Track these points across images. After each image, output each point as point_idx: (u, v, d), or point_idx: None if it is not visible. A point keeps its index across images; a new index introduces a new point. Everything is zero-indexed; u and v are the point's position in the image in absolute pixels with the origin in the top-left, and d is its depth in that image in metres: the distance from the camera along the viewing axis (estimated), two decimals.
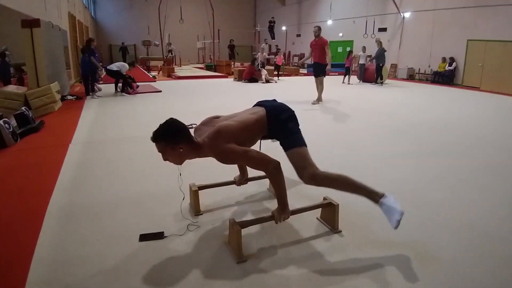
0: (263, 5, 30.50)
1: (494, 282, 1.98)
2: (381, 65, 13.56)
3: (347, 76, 14.24)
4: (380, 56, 13.43)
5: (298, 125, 2.42)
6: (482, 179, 3.63)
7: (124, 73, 9.69)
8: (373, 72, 13.99)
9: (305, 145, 2.32)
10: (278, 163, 2.17)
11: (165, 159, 2.13)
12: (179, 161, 2.16)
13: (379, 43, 13.55)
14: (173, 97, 9.43)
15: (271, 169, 2.14)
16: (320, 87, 8.54)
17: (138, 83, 10.43)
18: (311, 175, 2.22)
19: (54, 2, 10.74)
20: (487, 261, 2.17)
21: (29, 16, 7.62)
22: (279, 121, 2.33)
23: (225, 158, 2.12)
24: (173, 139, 2.04)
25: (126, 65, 9.83)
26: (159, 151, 2.11)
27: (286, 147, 2.30)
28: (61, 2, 11.66)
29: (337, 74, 16.41)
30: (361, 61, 14.61)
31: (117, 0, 26.50)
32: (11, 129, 4.76)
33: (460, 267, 2.10)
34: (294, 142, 2.30)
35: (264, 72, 13.87)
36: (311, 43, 8.44)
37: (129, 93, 9.76)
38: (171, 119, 2.11)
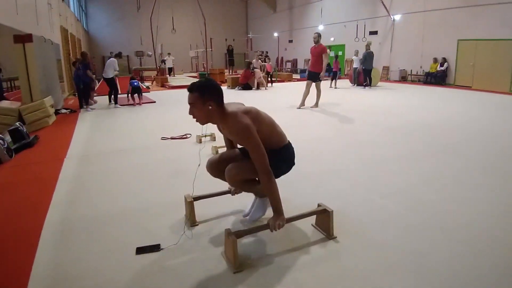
0: (254, 12, 30.69)
1: (490, 282, 2.00)
2: (363, 68, 13.60)
3: (333, 80, 14.32)
4: (365, 59, 13.45)
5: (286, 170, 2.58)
6: (476, 179, 3.67)
7: (116, 80, 9.72)
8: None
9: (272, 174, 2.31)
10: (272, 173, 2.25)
11: (190, 113, 2.24)
12: (203, 119, 2.24)
13: (366, 46, 13.67)
14: (168, 107, 9.45)
15: (269, 176, 2.22)
16: (317, 92, 8.60)
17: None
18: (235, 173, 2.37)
19: (46, 17, 10.77)
20: (483, 261, 2.20)
21: (21, 31, 7.64)
22: (285, 154, 2.53)
23: (240, 134, 2.18)
24: (206, 93, 2.17)
25: (113, 59, 9.67)
26: (189, 102, 2.21)
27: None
28: (53, 16, 11.69)
29: (329, 79, 16.48)
30: (355, 65, 14.71)
31: (109, 11, 26.60)
32: (5, 145, 4.75)
33: (457, 268, 2.13)
34: (273, 162, 2.30)
35: (258, 75, 13.87)
36: (311, 49, 8.48)
37: (133, 104, 9.84)
38: (210, 77, 2.22)
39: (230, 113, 2.23)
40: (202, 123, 2.27)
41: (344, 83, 15.61)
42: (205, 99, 2.17)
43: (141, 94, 10.12)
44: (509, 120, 6.88)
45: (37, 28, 9.14)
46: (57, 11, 12.64)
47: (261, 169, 2.21)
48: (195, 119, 2.28)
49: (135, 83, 9.94)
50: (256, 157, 2.19)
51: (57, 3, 12.71)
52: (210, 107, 2.19)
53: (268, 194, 2.28)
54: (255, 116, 2.28)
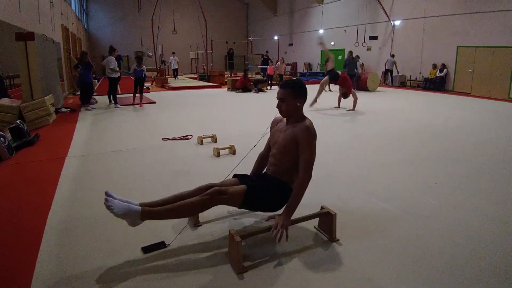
0: (255, 15, 30.78)
1: (489, 284, 2.02)
2: (347, 73, 13.84)
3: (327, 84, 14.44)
4: (344, 65, 13.77)
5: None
6: (475, 183, 3.70)
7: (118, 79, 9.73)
8: (365, 80, 14.16)
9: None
10: None
11: (278, 106, 2.51)
12: (288, 112, 2.50)
13: (349, 53, 14.22)
14: (168, 108, 9.46)
15: (308, 177, 2.39)
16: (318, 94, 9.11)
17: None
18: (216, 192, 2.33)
19: (48, 15, 10.78)
20: (482, 263, 2.22)
21: (23, 29, 7.65)
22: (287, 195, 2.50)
23: (310, 134, 2.39)
24: (299, 92, 2.48)
25: (109, 57, 9.57)
26: (279, 97, 2.49)
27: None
28: (54, 15, 11.70)
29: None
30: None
31: (110, 11, 26.61)
32: (6, 143, 4.75)
33: (456, 271, 2.15)
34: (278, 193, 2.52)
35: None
36: None
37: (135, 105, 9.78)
38: (300, 78, 2.34)
39: (307, 117, 2.53)
40: (285, 116, 2.55)
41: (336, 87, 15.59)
42: (296, 96, 2.46)
43: (142, 93, 10.01)
44: (508, 127, 6.92)
45: (38, 27, 9.15)
46: (58, 10, 12.65)
47: (307, 167, 2.38)
48: (280, 112, 2.54)
49: (140, 73, 9.63)
50: (309, 157, 2.39)
51: (59, 2, 12.72)
52: (298, 104, 2.47)
53: (297, 191, 2.36)
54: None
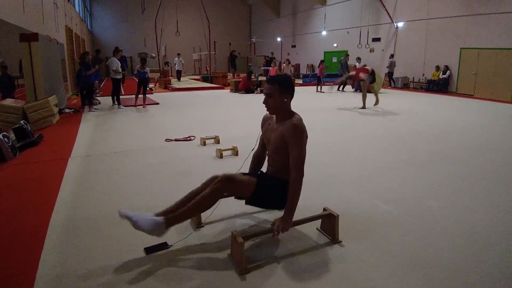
0: (258, 16, 30.81)
1: (490, 285, 2.02)
2: (338, 74, 14.94)
3: (319, 85, 14.47)
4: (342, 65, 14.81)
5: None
6: (478, 187, 3.68)
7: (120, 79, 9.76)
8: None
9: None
10: None
11: (265, 102, 2.47)
12: (275, 108, 2.47)
13: (345, 56, 15.26)
14: (171, 109, 9.48)
15: (300, 175, 2.36)
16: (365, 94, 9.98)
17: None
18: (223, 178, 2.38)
19: (52, 16, 10.83)
20: (483, 266, 2.22)
21: (28, 30, 7.68)
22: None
23: (298, 131, 2.36)
24: (285, 87, 2.44)
25: (112, 58, 9.62)
26: (266, 92, 2.46)
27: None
28: (58, 16, 11.75)
29: (331, 84, 16.48)
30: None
31: (113, 13, 26.71)
32: (10, 143, 4.77)
33: (458, 273, 2.14)
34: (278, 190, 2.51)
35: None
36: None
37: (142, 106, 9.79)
38: (288, 75, 2.37)
39: (295, 115, 2.49)
40: (272, 112, 2.52)
41: (323, 88, 15.46)
42: (283, 91, 2.42)
43: (146, 94, 10.02)
44: (511, 129, 6.89)
45: (42, 28, 9.18)
46: (62, 11, 12.70)
47: (298, 165, 2.35)
48: (267, 108, 2.51)
49: (143, 74, 9.64)
50: (298, 155, 2.35)
51: (62, 3, 12.77)
52: (285, 100, 2.43)
53: (292, 192, 2.34)
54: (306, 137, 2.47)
